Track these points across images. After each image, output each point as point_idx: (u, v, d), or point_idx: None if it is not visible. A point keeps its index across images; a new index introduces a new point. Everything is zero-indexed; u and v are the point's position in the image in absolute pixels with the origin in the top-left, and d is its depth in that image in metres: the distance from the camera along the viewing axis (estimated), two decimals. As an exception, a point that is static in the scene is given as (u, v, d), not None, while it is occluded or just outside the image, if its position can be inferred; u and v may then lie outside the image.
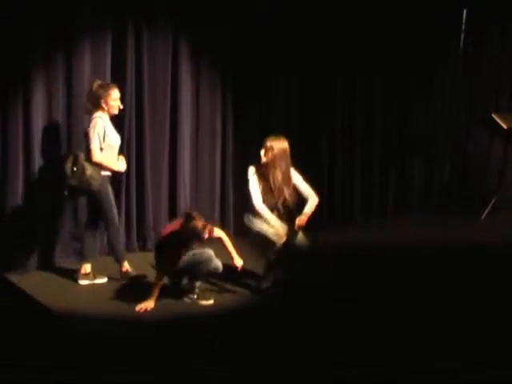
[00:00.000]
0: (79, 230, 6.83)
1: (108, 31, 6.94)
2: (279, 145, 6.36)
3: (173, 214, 6.97)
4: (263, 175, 6.36)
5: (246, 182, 6.42)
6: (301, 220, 6.37)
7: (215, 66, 7.08)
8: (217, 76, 7.56)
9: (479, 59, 9.28)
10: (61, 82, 6.81)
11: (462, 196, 9.38)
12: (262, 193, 6.33)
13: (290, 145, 6.46)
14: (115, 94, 6.30)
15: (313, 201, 6.51)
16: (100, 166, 6.27)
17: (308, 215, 6.43)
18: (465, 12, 9.00)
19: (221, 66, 7.26)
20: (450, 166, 9.46)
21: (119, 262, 6.59)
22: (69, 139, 6.92)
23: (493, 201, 8.79)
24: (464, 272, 6.90)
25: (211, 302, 6.19)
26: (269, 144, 6.34)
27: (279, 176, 6.34)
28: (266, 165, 6.34)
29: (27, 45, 6.55)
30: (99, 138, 6.25)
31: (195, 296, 6.15)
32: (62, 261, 6.86)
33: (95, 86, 6.29)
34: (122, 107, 6.41)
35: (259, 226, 6.28)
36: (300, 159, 8.09)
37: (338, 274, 6.87)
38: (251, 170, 6.41)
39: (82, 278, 6.45)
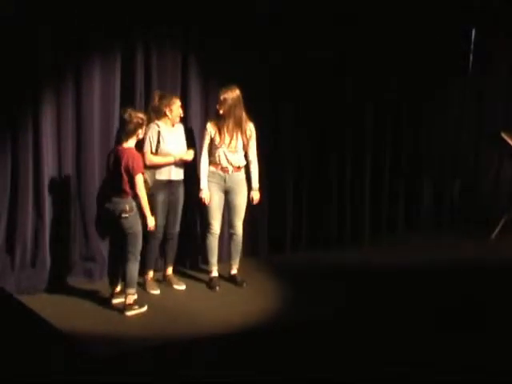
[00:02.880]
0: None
1: (117, 50, 6.91)
2: (232, 95, 6.74)
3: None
4: (221, 125, 6.77)
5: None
6: (256, 200, 7.02)
7: (225, 84, 7.05)
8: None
9: (488, 79, 9.28)
10: (70, 101, 6.76)
11: (471, 216, 9.36)
12: (220, 137, 6.77)
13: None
14: (178, 102, 6.69)
15: (256, 168, 7.00)
16: (155, 168, 6.60)
17: (257, 188, 7.01)
18: (473, 32, 9.01)
19: (230, 84, 7.21)
20: (459, 185, 9.45)
21: (164, 267, 6.99)
22: (78, 158, 6.90)
23: (503, 220, 8.79)
24: (473, 291, 6.90)
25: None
26: (222, 97, 6.74)
27: (232, 122, 6.75)
28: (224, 116, 6.74)
29: (36, 65, 6.52)
30: (150, 143, 6.59)
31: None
32: (73, 281, 6.84)
33: (158, 96, 6.67)
34: (182, 115, 6.76)
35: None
36: (309, 178, 8.20)
37: (349, 295, 6.87)
38: (208, 125, 6.87)
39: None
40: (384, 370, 4.96)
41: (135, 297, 6.32)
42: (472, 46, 9.06)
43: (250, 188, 6.99)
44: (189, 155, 6.77)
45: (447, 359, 5.25)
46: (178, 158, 6.67)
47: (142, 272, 6.80)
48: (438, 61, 8.83)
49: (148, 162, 6.56)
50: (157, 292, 6.78)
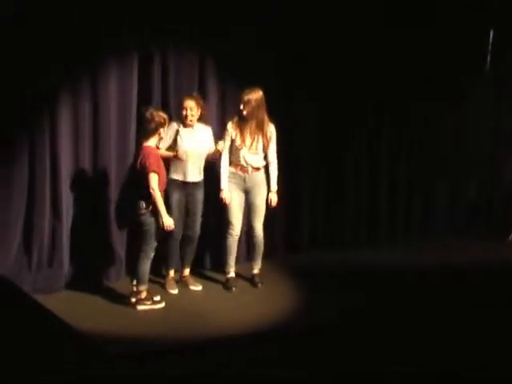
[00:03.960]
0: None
1: (134, 50, 6.93)
2: (255, 96, 6.75)
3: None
4: (243, 126, 6.78)
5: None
6: (273, 202, 6.98)
7: (242, 86, 7.06)
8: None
9: (506, 79, 9.22)
10: (87, 101, 6.78)
11: (488, 217, 9.32)
12: (241, 138, 6.77)
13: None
14: (184, 103, 6.71)
15: (275, 170, 6.97)
16: (174, 168, 6.69)
17: (275, 190, 6.96)
18: (491, 32, 8.97)
19: (247, 85, 7.24)
20: (476, 186, 9.40)
21: (182, 268, 7.02)
22: (95, 159, 6.93)
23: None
24: (491, 293, 6.86)
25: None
26: (246, 98, 6.73)
27: (254, 124, 6.78)
28: (246, 117, 6.75)
29: (53, 66, 6.52)
30: (165, 140, 6.60)
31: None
32: (89, 280, 6.86)
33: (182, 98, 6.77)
34: (191, 118, 6.70)
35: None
36: (325, 179, 8.19)
37: (365, 296, 6.86)
38: (229, 126, 6.86)
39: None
40: (398, 370, 4.94)
41: (145, 293, 6.43)
42: (490, 46, 9.01)
43: (268, 190, 6.98)
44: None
45: (464, 358, 5.24)
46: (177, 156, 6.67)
47: (164, 271, 6.92)
48: (455, 60, 8.78)
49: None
50: (175, 292, 6.84)
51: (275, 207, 7.11)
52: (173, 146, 6.71)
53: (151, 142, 6.28)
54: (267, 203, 7.00)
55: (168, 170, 6.66)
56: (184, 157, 6.67)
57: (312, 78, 7.86)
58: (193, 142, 6.73)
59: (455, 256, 8.06)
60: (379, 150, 8.55)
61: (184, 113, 6.68)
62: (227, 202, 6.85)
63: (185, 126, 6.72)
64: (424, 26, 8.45)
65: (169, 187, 6.60)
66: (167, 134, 6.60)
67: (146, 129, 6.29)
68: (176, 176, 6.71)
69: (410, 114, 8.69)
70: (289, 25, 7.62)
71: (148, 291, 6.44)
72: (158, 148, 6.50)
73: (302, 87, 7.84)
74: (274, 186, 6.97)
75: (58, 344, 5.24)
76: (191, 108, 6.68)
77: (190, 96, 6.78)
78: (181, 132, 6.68)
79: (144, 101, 6.88)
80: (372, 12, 8.10)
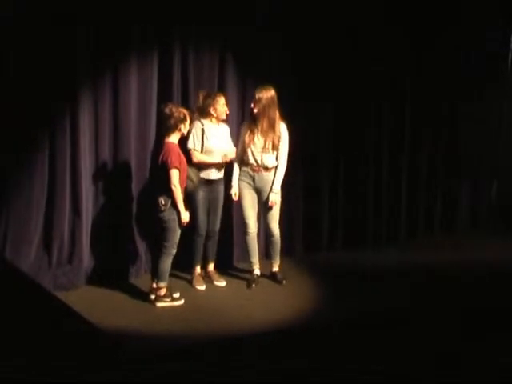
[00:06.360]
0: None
1: (154, 49, 6.95)
2: (267, 95, 6.71)
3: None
4: (254, 124, 6.77)
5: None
6: (273, 203, 6.85)
7: (262, 83, 7.06)
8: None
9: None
10: (108, 99, 6.81)
11: (509, 217, 9.26)
12: (252, 137, 6.77)
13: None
14: (222, 100, 6.71)
15: (280, 171, 6.84)
16: (201, 166, 6.65)
17: (278, 191, 6.84)
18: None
19: (267, 83, 7.24)
20: (497, 186, 9.35)
21: (206, 264, 7.05)
22: (115, 156, 6.95)
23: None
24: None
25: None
26: (257, 96, 6.72)
27: (266, 123, 6.71)
28: (257, 115, 6.71)
29: (74, 65, 6.56)
30: (194, 140, 6.66)
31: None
32: (109, 277, 6.86)
33: (202, 95, 6.72)
34: (228, 112, 6.76)
35: None
36: (345, 177, 8.17)
37: (384, 295, 6.83)
38: (243, 126, 6.94)
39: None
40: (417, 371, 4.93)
41: (165, 290, 6.44)
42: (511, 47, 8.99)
43: (270, 189, 6.87)
44: (231, 154, 6.82)
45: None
46: (224, 156, 6.73)
47: (190, 268, 6.94)
48: (476, 60, 8.76)
49: (195, 159, 6.66)
50: (202, 287, 6.88)
51: (274, 207, 6.94)
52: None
53: (173, 139, 6.29)
54: (282, 202, 6.96)
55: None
56: (227, 158, 6.78)
57: (335, 75, 7.85)
58: (217, 139, 6.76)
59: (475, 255, 8.01)
60: (399, 149, 8.52)
61: (225, 108, 6.72)
62: (235, 199, 6.89)
63: (218, 122, 6.75)
64: (445, 27, 8.44)
65: (201, 187, 6.65)
66: (196, 134, 6.63)
67: (166, 125, 6.29)
68: (202, 175, 6.70)
69: (432, 113, 8.66)
70: (307, 24, 7.62)
71: (167, 288, 6.46)
72: (195, 150, 6.61)
73: (324, 85, 7.82)
74: (277, 187, 6.85)
75: (77, 340, 5.27)
76: (226, 103, 6.76)
77: (220, 92, 6.88)
78: (206, 131, 6.69)
79: (164, 99, 6.89)
80: (395, 12, 8.09)
